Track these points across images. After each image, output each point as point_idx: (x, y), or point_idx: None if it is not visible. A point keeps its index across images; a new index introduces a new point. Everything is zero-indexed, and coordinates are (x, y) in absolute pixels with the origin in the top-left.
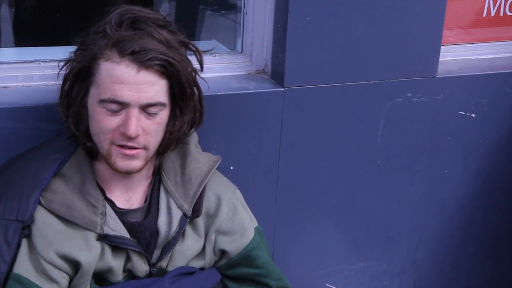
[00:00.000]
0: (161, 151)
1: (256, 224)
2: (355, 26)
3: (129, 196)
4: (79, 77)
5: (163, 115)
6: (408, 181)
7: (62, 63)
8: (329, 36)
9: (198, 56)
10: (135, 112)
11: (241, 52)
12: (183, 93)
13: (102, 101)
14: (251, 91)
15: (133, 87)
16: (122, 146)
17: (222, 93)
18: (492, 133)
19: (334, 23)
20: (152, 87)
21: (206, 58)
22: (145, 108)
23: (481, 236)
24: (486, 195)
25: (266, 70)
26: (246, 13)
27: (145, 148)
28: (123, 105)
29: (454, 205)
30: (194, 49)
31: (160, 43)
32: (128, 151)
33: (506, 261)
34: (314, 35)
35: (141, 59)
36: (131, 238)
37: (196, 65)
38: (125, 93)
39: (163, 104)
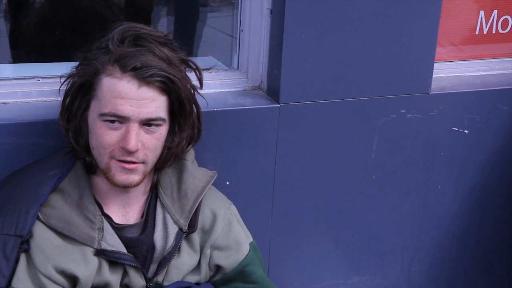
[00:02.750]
0: (159, 166)
1: (251, 239)
2: (349, 43)
3: (126, 212)
4: (80, 92)
5: (162, 130)
6: (402, 196)
7: (63, 78)
8: (324, 53)
9: (198, 74)
10: (135, 127)
11: (237, 68)
12: (183, 109)
13: (103, 115)
14: (247, 107)
15: (133, 102)
16: (121, 161)
17: (218, 109)
18: (485, 149)
19: (329, 40)
20: (153, 102)
21: (203, 75)
22: (145, 123)
23: (475, 251)
24: (479, 211)
25: (262, 87)
26: (242, 30)
27: (143, 162)
28: (124, 120)
29: (448, 220)
30: (194, 67)
31: (161, 60)
32: (127, 165)
33: (500, 276)
34: (309, 52)
35: (143, 75)
36: (128, 253)
37: (195, 82)
38: (126, 108)
39: (163, 120)
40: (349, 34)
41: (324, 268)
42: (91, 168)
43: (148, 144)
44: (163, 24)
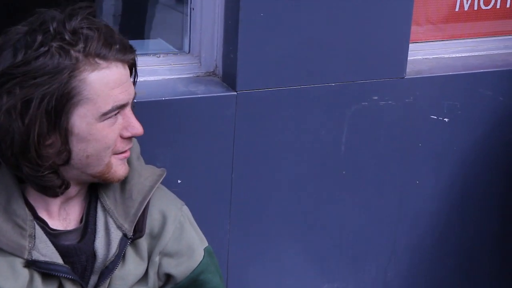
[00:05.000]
0: None
1: (206, 244)
2: (314, 22)
3: (66, 215)
4: (48, 114)
5: None
6: (376, 193)
7: None
8: (286, 34)
9: None
10: (131, 110)
11: (189, 52)
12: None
13: (106, 114)
14: (199, 95)
15: (125, 85)
16: (122, 152)
17: (167, 98)
18: (467, 138)
19: (291, 19)
20: (129, 79)
21: (150, 59)
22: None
23: (457, 253)
24: (461, 207)
25: (217, 72)
26: (193, 9)
27: None
28: (120, 108)
29: (427, 219)
30: None
31: (116, 33)
32: (127, 154)
33: (485, 280)
34: (269, 33)
35: (124, 56)
36: (64, 264)
37: None
38: (124, 95)
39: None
40: (313, 12)
41: (290, 275)
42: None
43: None
44: (111, 2)
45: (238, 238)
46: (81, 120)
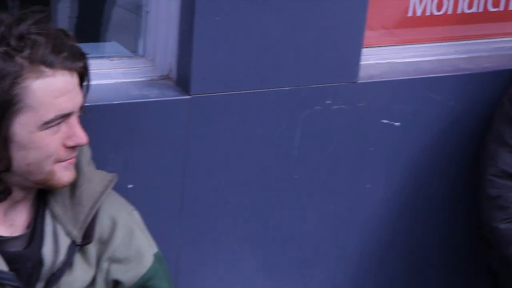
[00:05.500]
0: None
1: (155, 249)
2: (268, 27)
3: (13, 220)
4: None
5: None
6: (327, 197)
7: None
8: (240, 38)
9: None
10: (77, 119)
11: (143, 55)
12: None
13: (48, 123)
14: (153, 99)
15: (71, 94)
16: (66, 160)
17: (119, 101)
18: (418, 143)
19: (246, 23)
20: (78, 88)
21: (103, 63)
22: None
23: (406, 257)
24: (410, 211)
25: (171, 76)
26: (148, 12)
27: None
28: (65, 117)
29: (377, 223)
30: None
31: (69, 40)
32: (72, 160)
33: (434, 283)
34: (223, 37)
35: (71, 64)
36: (9, 272)
37: None
38: (68, 103)
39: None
40: (268, 18)
41: (240, 279)
42: None
43: None
44: (67, 4)
45: (188, 244)
46: (21, 127)
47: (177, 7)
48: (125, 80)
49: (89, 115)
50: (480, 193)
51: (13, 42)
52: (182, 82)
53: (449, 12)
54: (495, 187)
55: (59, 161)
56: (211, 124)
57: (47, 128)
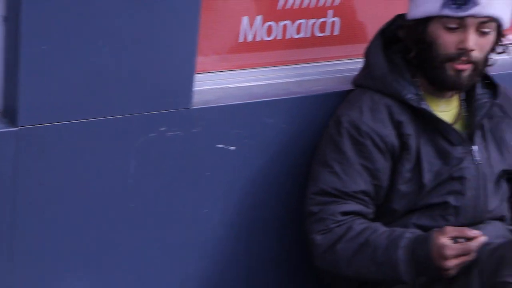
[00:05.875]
0: None
1: None
2: (98, 54)
3: None
4: None
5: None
6: (165, 224)
7: None
8: (69, 66)
9: None
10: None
11: None
12: None
13: None
14: None
15: None
16: None
17: None
18: (253, 166)
19: (75, 51)
20: None
21: None
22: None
23: (246, 274)
24: (249, 232)
25: None
26: None
27: None
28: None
29: (216, 247)
30: None
31: None
32: None
33: None
34: (52, 66)
35: None
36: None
37: None
38: None
39: None
40: (97, 44)
41: None
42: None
43: None
44: None
45: (22, 280)
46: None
47: (1, 36)
48: None
49: None
50: (304, 211)
51: None
52: (9, 113)
53: (279, 37)
54: (316, 204)
55: None
56: (42, 157)
57: None
